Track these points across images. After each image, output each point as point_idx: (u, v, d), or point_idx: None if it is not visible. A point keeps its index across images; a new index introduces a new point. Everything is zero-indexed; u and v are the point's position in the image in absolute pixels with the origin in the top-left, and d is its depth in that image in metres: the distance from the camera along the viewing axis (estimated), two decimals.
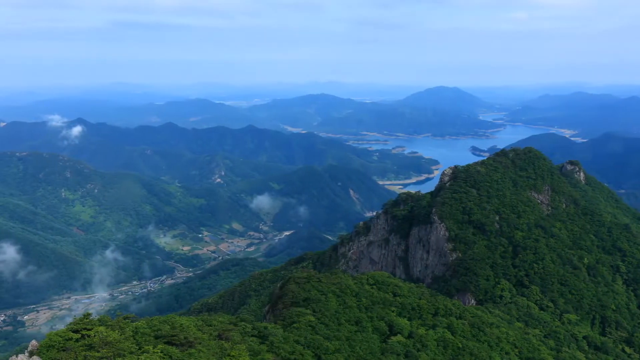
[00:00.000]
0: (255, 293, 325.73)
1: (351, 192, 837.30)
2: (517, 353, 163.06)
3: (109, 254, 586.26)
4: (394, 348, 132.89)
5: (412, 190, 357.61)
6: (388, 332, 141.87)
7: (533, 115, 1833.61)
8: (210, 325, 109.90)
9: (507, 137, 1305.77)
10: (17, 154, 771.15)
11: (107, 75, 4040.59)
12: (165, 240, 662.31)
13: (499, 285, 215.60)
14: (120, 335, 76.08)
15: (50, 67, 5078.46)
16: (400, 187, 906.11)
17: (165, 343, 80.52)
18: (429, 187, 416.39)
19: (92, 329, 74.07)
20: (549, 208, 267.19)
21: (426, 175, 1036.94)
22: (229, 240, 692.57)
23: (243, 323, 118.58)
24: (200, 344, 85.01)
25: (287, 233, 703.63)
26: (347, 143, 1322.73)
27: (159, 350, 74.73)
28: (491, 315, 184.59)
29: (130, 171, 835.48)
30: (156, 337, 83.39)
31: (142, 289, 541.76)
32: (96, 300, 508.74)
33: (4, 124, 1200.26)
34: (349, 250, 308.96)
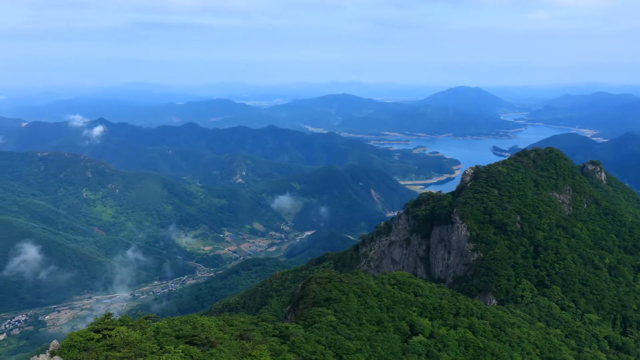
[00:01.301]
0: (277, 293, 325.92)
1: (372, 192, 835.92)
2: (539, 353, 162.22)
3: (130, 254, 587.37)
4: (415, 348, 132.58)
5: (434, 190, 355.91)
6: (409, 332, 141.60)
7: (554, 115, 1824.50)
8: (232, 325, 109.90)
9: (528, 137, 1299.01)
10: (39, 154, 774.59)
11: (127, 75, 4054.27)
12: (186, 240, 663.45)
13: (520, 285, 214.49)
14: (142, 335, 76.10)
15: (70, 67, 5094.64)
16: (422, 187, 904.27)
17: (186, 343, 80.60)
18: (450, 187, 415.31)
19: (113, 329, 74.22)
20: (570, 208, 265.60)
21: (447, 175, 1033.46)
22: (250, 240, 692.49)
23: (264, 323, 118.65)
24: (221, 344, 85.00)
25: (308, 233, 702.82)
26: (368, 143, 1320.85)
27: (180, 350, 74.72)
28: (512, 315, 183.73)
29: (151, 171, 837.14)
30: (177, 337, 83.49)
31: (163, 289, 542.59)
32: (117, 300, 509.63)
33: (25, 123, 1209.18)
34: (370, 250, 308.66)
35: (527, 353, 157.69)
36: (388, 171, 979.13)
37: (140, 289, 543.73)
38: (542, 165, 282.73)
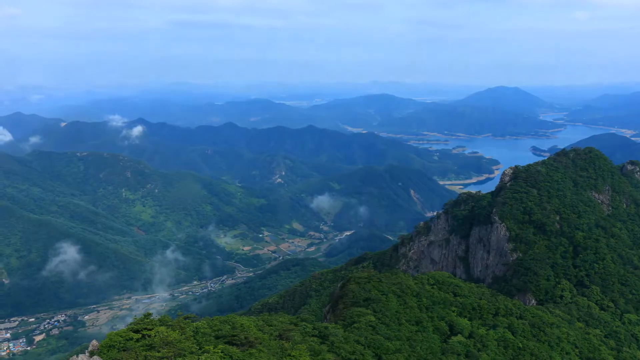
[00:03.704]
0: (316, 293, 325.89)
1: (412, 192, 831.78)
2: (578, 353, 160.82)
3: (169, 254, 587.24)
4: (455, 348, 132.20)
5: (473, 190, 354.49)
6: (449, 332, 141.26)
7: (593, 115, 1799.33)
8: (271, 325, 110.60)
9: (567, 137, 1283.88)
10: (78, 153, 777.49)
11: (167, 75, 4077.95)
12: (225, 240, 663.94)
13: (559, 285, 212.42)
14: (181, 335, 76.52)
15: (110, 67, 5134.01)
16: (461, 187, 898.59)
17: (225, 343, 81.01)
18: (489, 187, 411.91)
19: (152, 328, 74.67)
20: (610, 208, 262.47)
21: (487, 175, 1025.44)
22: (290, 240, 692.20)
23: (304, 323, 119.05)
24: (260, 344, 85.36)
25: (347, 233, 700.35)
26: (408, 143, 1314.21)
27: (219, 350, 75.03)
28: (552, 315, 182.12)
29: (191, 171, 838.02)
30: (217, 337, 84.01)
31: (202, 289, 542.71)
32: (156, 300, 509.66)
33: (65, 123, 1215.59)
34: (410, 250, 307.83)
35: (567, 353, 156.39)
36: (427, 171, 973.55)
37: (180, 289, 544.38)
38: (581, 165, 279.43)
